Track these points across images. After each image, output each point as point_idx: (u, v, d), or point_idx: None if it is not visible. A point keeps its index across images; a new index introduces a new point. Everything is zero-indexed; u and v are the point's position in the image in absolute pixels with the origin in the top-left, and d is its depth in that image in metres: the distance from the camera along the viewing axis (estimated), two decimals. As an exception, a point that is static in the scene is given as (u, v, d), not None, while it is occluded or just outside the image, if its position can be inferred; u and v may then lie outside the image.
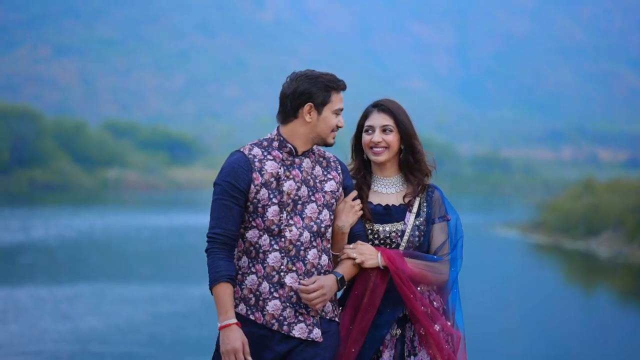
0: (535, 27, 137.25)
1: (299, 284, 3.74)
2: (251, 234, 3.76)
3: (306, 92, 3.77)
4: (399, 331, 3.91)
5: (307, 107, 3.77)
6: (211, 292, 3.71)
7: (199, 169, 60.73)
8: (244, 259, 3.79)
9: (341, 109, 3.85)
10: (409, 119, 3.99)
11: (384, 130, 3.96)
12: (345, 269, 3.85)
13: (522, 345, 10.71)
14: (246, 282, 3.77)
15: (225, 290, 3.68)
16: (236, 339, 3.64)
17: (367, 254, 3.85)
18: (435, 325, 3.89)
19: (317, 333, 3.77)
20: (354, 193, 3.92)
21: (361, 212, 3.90)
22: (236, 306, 3.76)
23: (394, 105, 3.98)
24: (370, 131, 3.97)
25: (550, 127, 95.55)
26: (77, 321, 11.33)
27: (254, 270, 3.77)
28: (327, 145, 3.86)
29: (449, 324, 3.95)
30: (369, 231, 3.94)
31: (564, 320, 12.74)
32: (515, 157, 76.58)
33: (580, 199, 26.00)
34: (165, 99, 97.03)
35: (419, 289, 3.92)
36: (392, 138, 3.95)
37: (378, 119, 3.96)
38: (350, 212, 3.86)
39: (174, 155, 62.27)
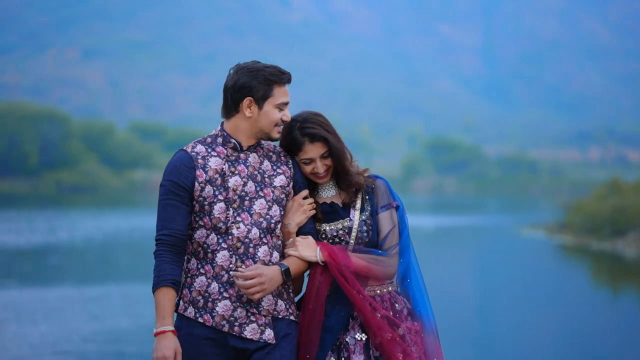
0: (562, 28, 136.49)
1: (236, 269, 3.60)
2: (199, 234, 3.62)
3: (246, 85, 3.61)
4: (364, 335, 3.74)
5: (246, 101, 3.61)
6: (153, 295, 3.56)
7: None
8: (193, 260, 3.64)
9: (286, 103, 3.69)
10: (336, 134, 3.77)
11: (322, 156, 3.75)
12: (290, 262, 3.67)
13: (548, 346, 10.70)
14: (195, 284, 3.62)
15: (165, 295, 3.53)
16: (168, 347, 3.48)
17: (304, 246, 3.70)
18: (399, 329, 3.72)
19: (269, 334, 3.61)
20: (305, 192, 3.76)
21: (312, 212, 3.75)
22: (185, 309, 3.62)
23: (322, 129, 3.74)
24: (308, 162, 3.76)
25: (577, 128, 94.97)
26: (106, 321, 11.42)
27: (202, 272, 3.62)
28: (272, 139, 3.71)
29: (415, 324, 3.79)
30: (317, 232, 3.80)
31: (591, 321, 12.70)
32: (542, 158, 76.19)
33: (607, 199, 25.87)
34: (193, 101, 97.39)
35: (378, 291, 3.77)
36: (331, 160, 3.77)
37: (314, 151, 3.74)
38: (298, 211, 3.72)
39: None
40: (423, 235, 26.48)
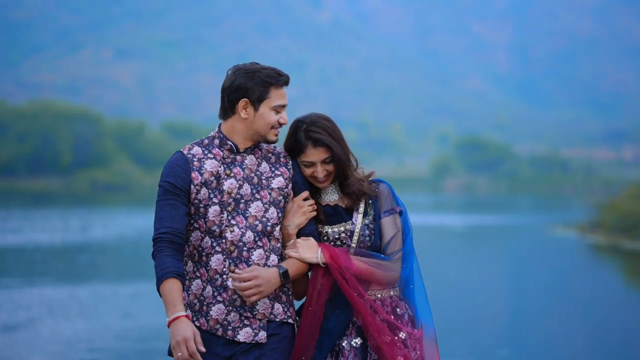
0: (596, 26, 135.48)
1: (234, 272, 3.53)
2: (194, 237, 3.57)
3: (242, 87, 3.55)
4: (359, 340, 3.68)
5: (242, 102, 3.56)
6: (159, 292, 3.47)
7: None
8: (190, 263, 3.60)
9: (282, 105, 3.62)
10: (341, 139, 3.72)
11: (324, 161, 3.69)
12: (290, 264, 3.60)
13: (581, 346, 10.65)
14: (192, 287, 3.58)
15: (172, 286, 3.44)
16: (186, 328, 3.39)
17: (305, 248, 3.63)
18: (401, 333, 3.66)
19: (262, 336, 3.54)
20: (305, 193, 3.69)
21: (312, 213, 3.69)
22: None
23: (327, 134, 3.69)
24: (309, 165, 3.70)
25: (611, 127, 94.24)
26: (140, 319, 11.50)
27: (198, 275, 3.57)
28: (269, 142, 3.63)
29: (415, 330, 3.72)
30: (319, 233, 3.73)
31: (624, 321, 12.62)
32: (575, 157, 75.71)
33: (641, 199, 25.67)
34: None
35: (379, 295, 3.70)
36: (333, 166, 3.71)
37: (316, 155, 3.67)
38: (297, 213, 3.65)
39: (233, 156, 62.55)
40: (454, 235, 26.39)
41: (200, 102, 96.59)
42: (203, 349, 3.40)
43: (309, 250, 3.63)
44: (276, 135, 3.63)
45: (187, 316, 3.42)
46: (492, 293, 14.95)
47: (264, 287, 3.51)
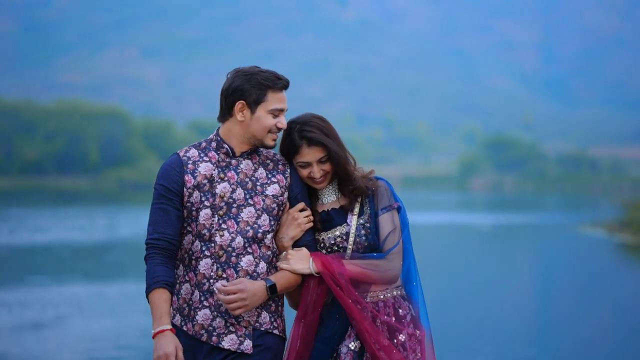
0: (624, 24, 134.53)
1: (221, 277, 3.48)
2: (186, 240, 3.52)
3: (239, 89, 3.51)
4: (358, 343, 3.60)
5: (239, 104, 3.51)
6: (147, 300, 3.48)
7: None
8: (180, 267, 3.55)
9: (280, 109, 3.55)
10: (337, 137, 3.65)
11: (320, 160, 3.61)
12: (279, 277, 3.52)
13: (608, 346, 10.59)
14: (182, 291, 3.54)
15: (160, 296, 3.45)
16: (168, 343, 3.39)
17: (296, 258, 3.56)
18: (401, 336, 3.58)
19: (247, 344, 3.49)
20: (301, 205, 3.61)
21: (308, 225, 3.61)
22: (173, 317, 3.54)
23: (321, 133, 3.61)
24: (305, 165, 3.63)
25: (639, 125, 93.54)
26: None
27: (187, 279, 3.53)
28: (266, 147, 3.56)
29: (417, 332, 3.63)
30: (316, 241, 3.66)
31: (653, 321, 12.52)
32: (603, 155, 75.23)
33: (670, 198, 25.46)
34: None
35: (381, 296, 3.62)
36: (329, 166, 3.64)
37: (311, 154, 3.60)
38: (292, 225, 3.58)
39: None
40: (481, 234, 26.29)
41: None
42: None
43: (300, 261, 3.55)
44: (274, 140, 3.57)
45: (171, 330, 3.43)
46: (519, 292, 14.88)
47: (249, 300, 3.44)
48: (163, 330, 3.42)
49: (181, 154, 3.56)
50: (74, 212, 31.80)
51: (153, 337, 3.43)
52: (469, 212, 37.03)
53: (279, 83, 3.56)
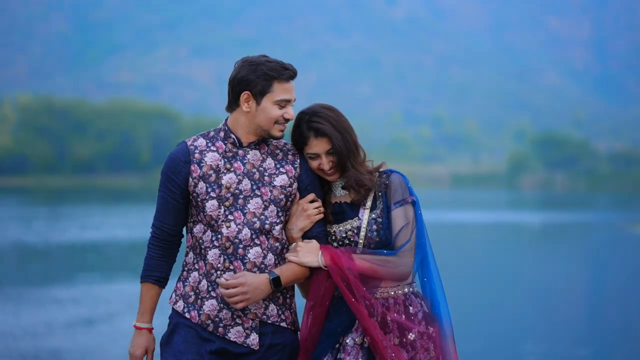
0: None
1: (227, 270, 3.44)
2: (197, 229, 3.50)
3: (244, 79, 3.44)
4: (365, 338, 3.49)
5: (244, 95, 3.45)
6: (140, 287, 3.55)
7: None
8: (190, 254, 3.54)
9: (287, 100, 3.48)
10: (346, 129, 3.56)
11: (328, 152, 3.54)
12: (284, 269, 3.46)
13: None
14: (189, 279, 3.52)
15: (148, 291, 3.50)
16: (140, 345, 3.48)
17: (305, 251, 3.48)
18: (410, 335, 3.49)
19: (254, 339, 3.45)
20: (311, 196, 3.54)
21: (318, 216, 3.53)
22: (175, 302, 3.53)
23: (329, 124, 3.54)
24: (314, 157, 3.56)
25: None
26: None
27: (197, 267, 3.50)
28: (273, 138, 3.50)
29: (429, 328, 3.53)
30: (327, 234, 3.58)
31: None
32: (656, 153, 74.18)
33: None
34: (298, 98, 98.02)
35: (392, 292, 3.52)
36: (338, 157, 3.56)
37: (319, 146, 3.53)
38: (301, 216, 3.51)
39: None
40: (530, 233, 26.07)
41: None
42: None
43: (309, 254, 3.48)
44: (281, 131, 3.50)
45: (148, 329, 3.49)
46: (569, 292, 14.74)
47: (251, 294, 3.39)
48: (140, 328, 3.49)
49: (189, 142, 3.51)
50: (124, 210, 32.10)
51: (134, 327, 3.52)
52: (519, 211, 36.74)
53: (285, 73, 3.47)
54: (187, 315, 3.49)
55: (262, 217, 3.45)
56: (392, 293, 3.53)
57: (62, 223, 25.83)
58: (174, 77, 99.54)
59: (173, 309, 3.54)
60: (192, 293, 3.50)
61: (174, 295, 3.55)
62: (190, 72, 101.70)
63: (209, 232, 3.47)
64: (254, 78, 3.43)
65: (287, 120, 3.49)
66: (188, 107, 79.18)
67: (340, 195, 3.62)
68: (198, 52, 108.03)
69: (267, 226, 3.45)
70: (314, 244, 3.50)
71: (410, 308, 3.52)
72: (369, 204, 3.55)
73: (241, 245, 3.45)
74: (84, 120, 55.10)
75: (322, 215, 3.54)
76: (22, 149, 53.68)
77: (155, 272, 3.53)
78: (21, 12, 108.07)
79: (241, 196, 3.46)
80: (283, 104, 3.47)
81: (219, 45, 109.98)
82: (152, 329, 3.52)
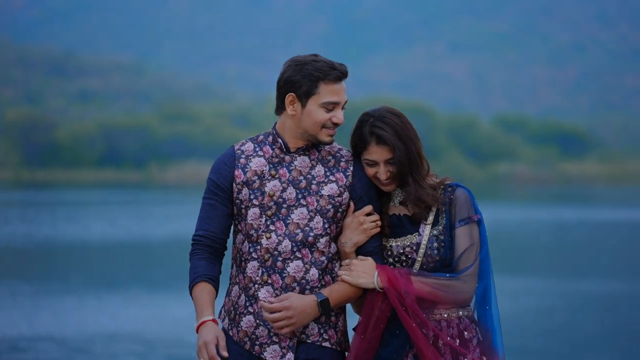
0: None
1: (266, 301, 3.20)
2: (238, 239, 3.31)
3: (289, 80, 3.23)
4: None
5: (289, 97, 3.23)
6: (191, 297, 3.28)
7: (591, 163, 59.22)
8: (234, 267, 3.34)
9: (335, 103, 3.23)
10: (411, 139, 3.28)
11: (388, 162, 3.28)
12: (334, 290, 3.20)
13: None
14: (232, 293, 3.33)
15: (203, 289, 3.24)
16: (208, 332, 3.17)
17: (360, 270, 3.21)
18: None
19: (290, 358, 3.21)
20: (368, 208, 3.26)
21: (375, 230, 3.26)
22: (223, 319, 3.34)
23: (393, 132, 3.26)
24: (372, 164, 3.29)
25: None
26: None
27: (237, 281, 3.31)
28: (322, 143, 3.27)
29: (484, 358, 3.24)
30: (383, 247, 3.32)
31: None
32: None
33: None
34: (557, 92, 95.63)
35: (445, 315, 3.26)
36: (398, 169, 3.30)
37: (379, 154, 3.27)
38: (357, 230, 3.23)
39: (566, 149, 61.19)
40: None
41: (533, 95, 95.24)
42: (225, 354, 3.15)
43: (364, 274, 3.21)
44: (330, 136, 3.26)
45: (213, 320, 3.22)
46: None
47: (296, 318, 3.16)
48: (204, 322, 3.21)
49: (236, 147, 3.33)
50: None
51: (196, 332, 3.22)
52: None
53: (333, 74, 3.22)
54: (230, 332, 3.30)
55: (307, 228, 3.21)
56: (446, 315, 3.27)
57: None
58: (430, 74, 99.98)
59: (222, 327, 3.34)
60: (232, 309, 3.31)
61: (222, 311, 3.38)
62: (446, 68, 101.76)
63: (247, 243, 3.27)
64: (299, 79, 3.20)
65: (336, 124, 3.26)
66: (443, 104, 79.22)
67: (399, 206, 3.35)
68: (455, 47, 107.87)
69: (310, 238, 3.21)
70: (370, 262, 3.23)
71: (465, 333, 3.26)
72: (430, 218, 3.28)
73: (280, 258, 3.21)
74: (345, 118, 56.57)
75: (379, 229, 3.27)
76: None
77: (204, 271, 3.26)
78: (285, 14, 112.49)
79: (285, 205, 3.23)
80: (330, 106, 3.24)
81: (476, 41, 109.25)
82: (216, 320, 3.27)
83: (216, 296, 3.31)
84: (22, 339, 9.60)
